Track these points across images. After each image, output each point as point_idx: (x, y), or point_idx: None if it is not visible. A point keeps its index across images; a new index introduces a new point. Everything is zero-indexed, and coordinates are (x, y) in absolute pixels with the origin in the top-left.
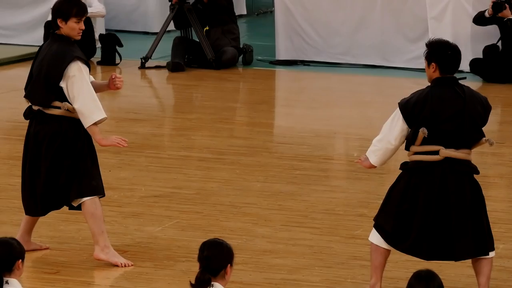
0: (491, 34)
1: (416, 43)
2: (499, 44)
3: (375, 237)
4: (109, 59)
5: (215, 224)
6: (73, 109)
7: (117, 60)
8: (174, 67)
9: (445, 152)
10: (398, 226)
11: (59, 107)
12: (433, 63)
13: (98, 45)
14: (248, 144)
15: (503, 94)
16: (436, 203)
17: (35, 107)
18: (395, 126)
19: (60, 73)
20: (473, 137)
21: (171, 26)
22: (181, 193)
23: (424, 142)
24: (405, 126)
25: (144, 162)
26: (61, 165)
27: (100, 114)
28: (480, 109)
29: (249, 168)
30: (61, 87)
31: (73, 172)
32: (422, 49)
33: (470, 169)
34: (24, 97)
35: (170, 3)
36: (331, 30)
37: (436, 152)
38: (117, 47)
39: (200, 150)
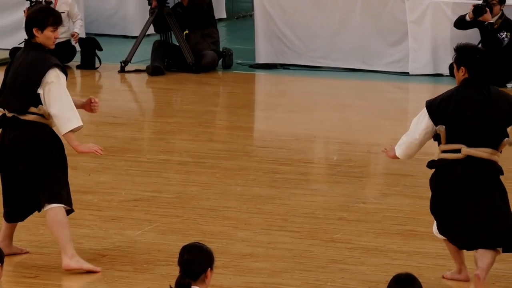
0: (471, 37)
1: (395, 46)
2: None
3: (434, 227)
4: (89, 63)
5: (195, 228)
6: (48, 115)
7: (97, 64)
8: (153, 71)
9: (466, 151)
10: (438, 218)
11: (34, 113)
12: (462, 67)
13: (78, 48)
14: (228, 148)
15: None
16: (455, 198)
17: (9, 114)
18: (421, 122)
19: (38, 80)
20: (496, 137)
21: (151, 30)
22: (161, 197)
23: (449, 140)
24: (430, 123)
25: (124, 166)
26: (34, 170)
27: (77, 122)
28: (507, 110)
29: (229, 172)
30: (39, 94)
31: (44, 178)
32: (402, 52)
33: (492, 168)
34: None
35: (149, 7)
36: (311, 34)
37: (459, 150)
38: (96, 51)
39: (180, 154)
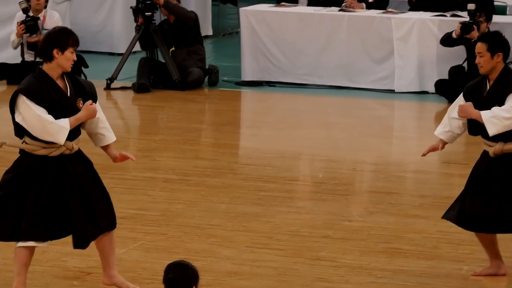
0: (457, 55)
1: (381, 64)
2: (465, 65)
3: None
4: None
5: (180, 246)
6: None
7: None
8: (139, 88)
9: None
10: None
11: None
12: (499, 53)
13: None
14: (213, 166)
15: None
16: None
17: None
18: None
19: (11, 108)
20: None
21: (137, 47)
22: (146, 214)
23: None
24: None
25: (109, 183)
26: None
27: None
28: None
29: (214, 190)
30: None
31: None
32: (388, 70)
33: None
34: None
35: (135, 23)
36: (297, 51)
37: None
38: (82, 68)
39: (165, 171)
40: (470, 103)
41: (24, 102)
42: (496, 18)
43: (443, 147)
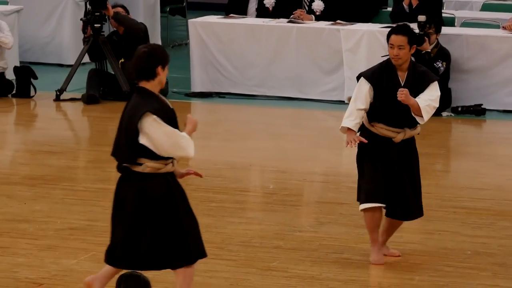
0: None
1: (331, 75)
2: None
3: None
4: (24, 92)
5: None
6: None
7: (32, 93)
8: (89, 99)
9: None
10: None
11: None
12: (414, 45)
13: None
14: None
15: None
16: None
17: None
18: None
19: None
20: None
21: (86, 58)
22: (97, 225)
23: None
24: None
25: (60, 194)
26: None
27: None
28: None
29: None
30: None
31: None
32: (337, 81)
33: None
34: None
35: (84, 35)
36: (246, 62)
37: None
38: (31, 79)
39: (116, 182)
40: (407, 90)
41: (154, 121)
42: (445, 30)
43: None
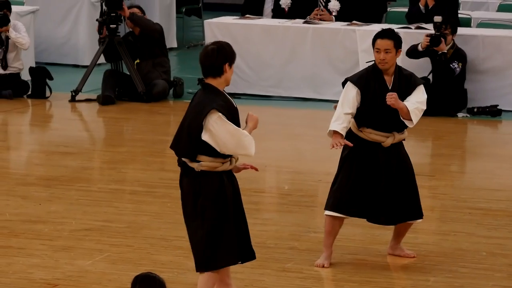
0: (422, 67)
1: (346, 75)
2: (430, 77)
3: None
4: (39, 93)
5: (146, 258)
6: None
7: (48, 93)
8: (104, 100)
9: None
10: None
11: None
12: (400, 49)
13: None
14: (179, 178)
15: (433, 127)
16: None
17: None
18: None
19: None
20: None
21: (102, 59)
22: (112, 226)
23: None
24: None
25: (75, 195)
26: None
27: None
28: None
29: (180, 201)
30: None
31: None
32: None
33: None
34: None
35: (99, 36)
36: (262, 63)
37: None
38: (47, 80)
39: (131, 183)
40: (396, 94)
41: (219, 118)
42: (460, 30)
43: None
